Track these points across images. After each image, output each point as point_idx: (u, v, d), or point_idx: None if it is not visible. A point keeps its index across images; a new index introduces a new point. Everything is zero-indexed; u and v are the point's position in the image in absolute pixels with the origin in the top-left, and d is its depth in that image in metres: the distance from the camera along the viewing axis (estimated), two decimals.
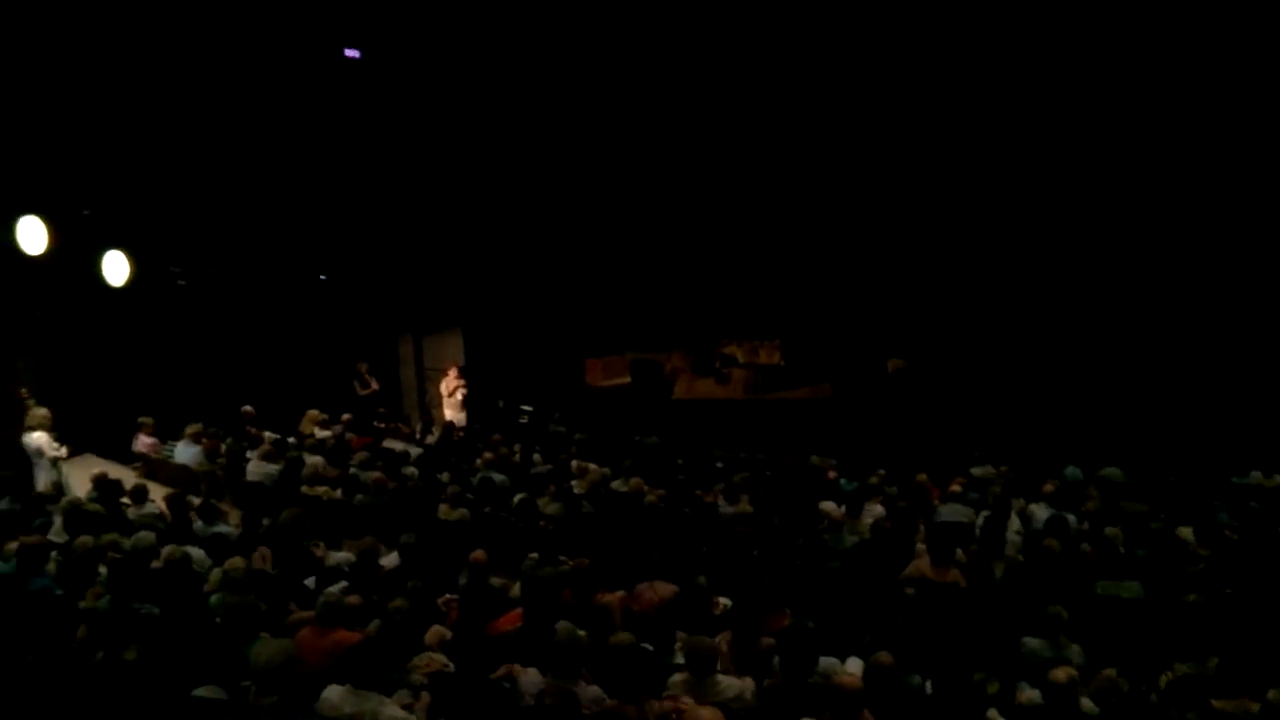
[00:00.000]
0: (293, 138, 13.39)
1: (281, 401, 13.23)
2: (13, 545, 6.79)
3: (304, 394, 13.70)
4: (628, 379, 17.36)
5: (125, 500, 8.64)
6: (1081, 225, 13.32)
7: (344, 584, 6.47)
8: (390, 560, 7.02)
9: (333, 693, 4.55)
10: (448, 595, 6.33)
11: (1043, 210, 13.52)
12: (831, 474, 10.39)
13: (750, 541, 7.78)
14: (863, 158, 14.35)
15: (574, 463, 11.03)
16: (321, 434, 12.23)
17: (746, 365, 17.13)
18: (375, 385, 15.30)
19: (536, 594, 5.81)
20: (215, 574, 6.47)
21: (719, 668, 4.94)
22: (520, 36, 13.78)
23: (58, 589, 6.12)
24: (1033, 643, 5.63)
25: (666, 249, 15.94)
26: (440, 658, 5.23)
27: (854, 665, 5.10)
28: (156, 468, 11.22)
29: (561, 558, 6.86)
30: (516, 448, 11.87)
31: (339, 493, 9.36)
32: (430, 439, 13.45)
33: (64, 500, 8.28)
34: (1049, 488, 9.05)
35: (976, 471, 10.15)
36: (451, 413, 14.98)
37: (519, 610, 5.87)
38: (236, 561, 6.57)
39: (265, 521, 7.85)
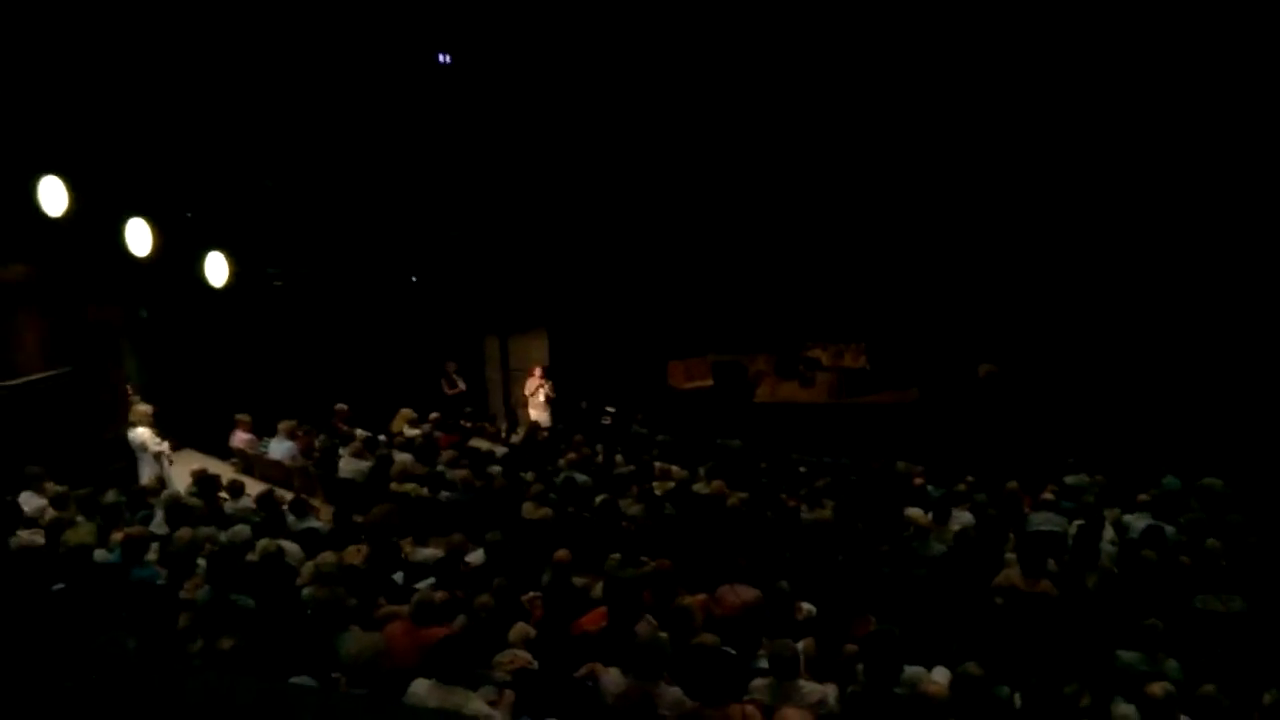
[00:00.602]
0: (385, 143, 13.68)
1: (372, 400, 13.52)
2: (118, 536, 7.08)
3: (394, 393, 13.98)
4: (711, 381, 17.31)
5: (223, 494, 8.93)
6: (1181, 229, 12.91)
7: (432, 580, 6.58)
8: (475, 557, 7.12)
9: (419, 686, 4.63)
10: (531, 593, 6.40)
11: (1139, 213, 13.14)
12: (918, 480, 10.22)
13: (834, 546, 7.70)
14: (957, 158, 14.12)
15: (656, 464, 11.05)
16: (411, 432, 12.45)
17: (831, 368, 16.94)
18: (462, 385, 15.54)
19: (619, 594, 5.83)
20: (307, 567, 6.63)
21: (802, 673, 4.90)
22: (605, 40, 13.88)
23: (159, 579, 6.35)
24: (1128, 656, 5.46)
25: (752, 251, 15.88)
26: (524, 655, 5.28)
27: (940, 675, 5.01)
28: (252, 463, 11.57)
29: (643, 558, 6.86)
30: (599, 448, 11.93)
31: (426, 490, 9.52)
32: (515, 438, 13.60)
33: (165, 494, 8.57)
34: (1145, 497, 8.77)
35: (1070, 479, 9.90)
36: (536, 413, 15.12)
37: (602, 609, 5.90)
38: (328, 556, 6.72)
39: (356, 517, 8.03)
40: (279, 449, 11.44)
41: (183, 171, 11.24)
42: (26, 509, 7.98)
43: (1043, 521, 8.26)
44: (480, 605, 5.59)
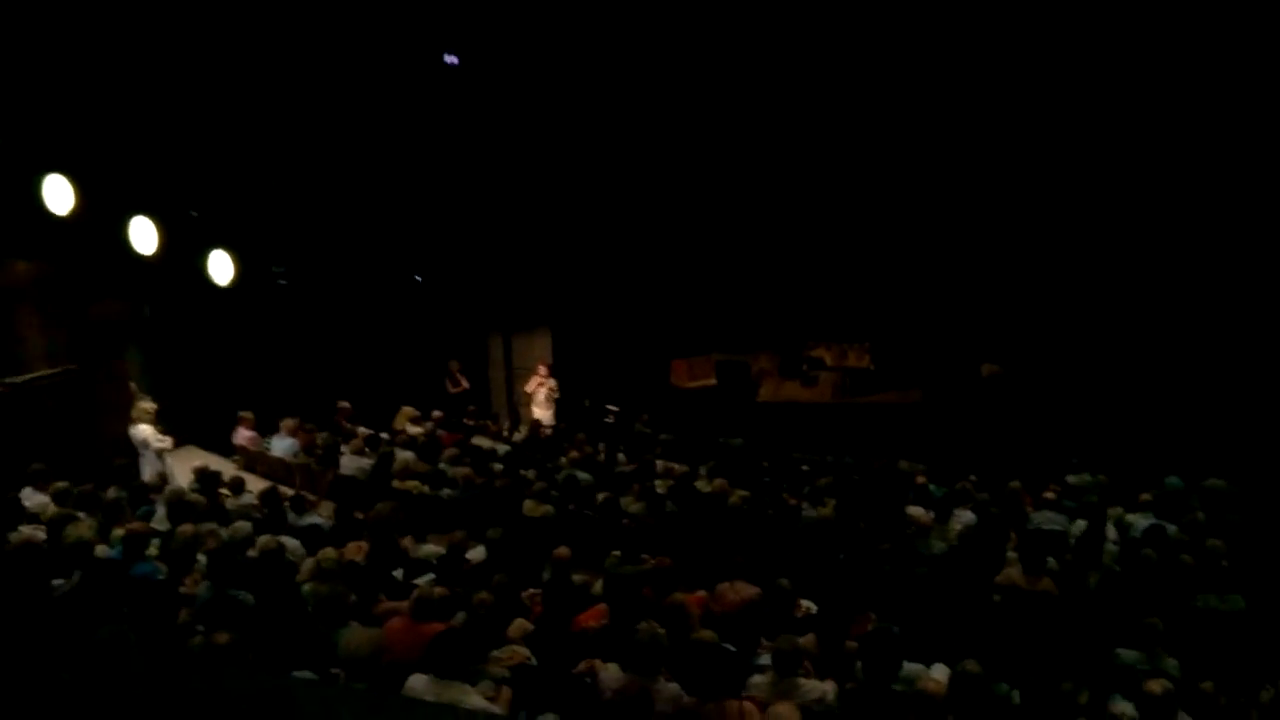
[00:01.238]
0: (390, 141, 13.71)
1: (375, 398, 13.55)
2: (119, 531, 7.10)
3: (397, 391, 14.00)
4: (713, 380, 17.32)
5: (224, 491, 8.95)
6: (1184, 229, 12.90)
7: (431, 576, 6.59)
8: (476, 554, 7.13)
9: (417, 681, 4.64)
10: (531, 590, 6.41)
11: (1142, 213, 13.13)
12: (920, 479, 10.20)
13: (835, 545, 7.70)
14: (961, 158, 14.11)
15: (658, 463, 11.05)
16: (413, 430, 12.48)
17: (834, 368, 16.93)
18: (465, 384, 15.56)
19: (619, 591, 5.84)
20: (308, 564, 6.64)
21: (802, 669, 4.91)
22: (610, 39, 13.88)
23: (160, 574, 6.36)
24: (1127, 654, 5.46)
25: (756, 250, 15.88)
26: (523, 650, 5.29)
27: (939, 672, 5.01)
28: (255, 460, 11.59)
29: (644, 556, 6.87)
30: (601, 447, 11.95)
31: (428, 488, 9.53)
32: (518, 437, 13.62)
33: (167, 490, 8.59)
34: (1147, 496, 8.77)
35: (1072, 479, 9.89)
36: (539, 411, 15.14)
37: (601, 607, 5.91)
38: (329, 552, 6.73)
39: (357, 514, 8.04)
40: (281, 446, 11.47)
41: (187, 169, 11.27)
42: (28, 505, 7.99)
43: (1045, 520, 8.26)
44: (479, 601, 5.59)
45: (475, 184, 15.08)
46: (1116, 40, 12.34)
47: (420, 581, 6.34)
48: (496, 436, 13.35)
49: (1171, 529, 7.87)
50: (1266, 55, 11.57)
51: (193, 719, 1.80)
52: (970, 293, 14.83)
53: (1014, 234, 14.18)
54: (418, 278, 15.98)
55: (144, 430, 10.12)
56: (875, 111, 14.28)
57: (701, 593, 6.32)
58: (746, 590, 6.26)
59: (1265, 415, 11.85)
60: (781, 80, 14.30)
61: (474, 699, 4.59)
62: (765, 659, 5.21)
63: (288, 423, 11.68)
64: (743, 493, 8.97)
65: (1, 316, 10.29)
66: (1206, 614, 6.28)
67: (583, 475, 9.82)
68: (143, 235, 10.07)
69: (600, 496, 8.81)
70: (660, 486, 9.71)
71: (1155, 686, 4.54)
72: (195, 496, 8.19)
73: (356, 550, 7.05)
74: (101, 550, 6.80)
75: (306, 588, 6.15)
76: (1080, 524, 8.09)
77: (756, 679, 4.91)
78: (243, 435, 11.94)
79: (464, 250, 15.93)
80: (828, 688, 4.83)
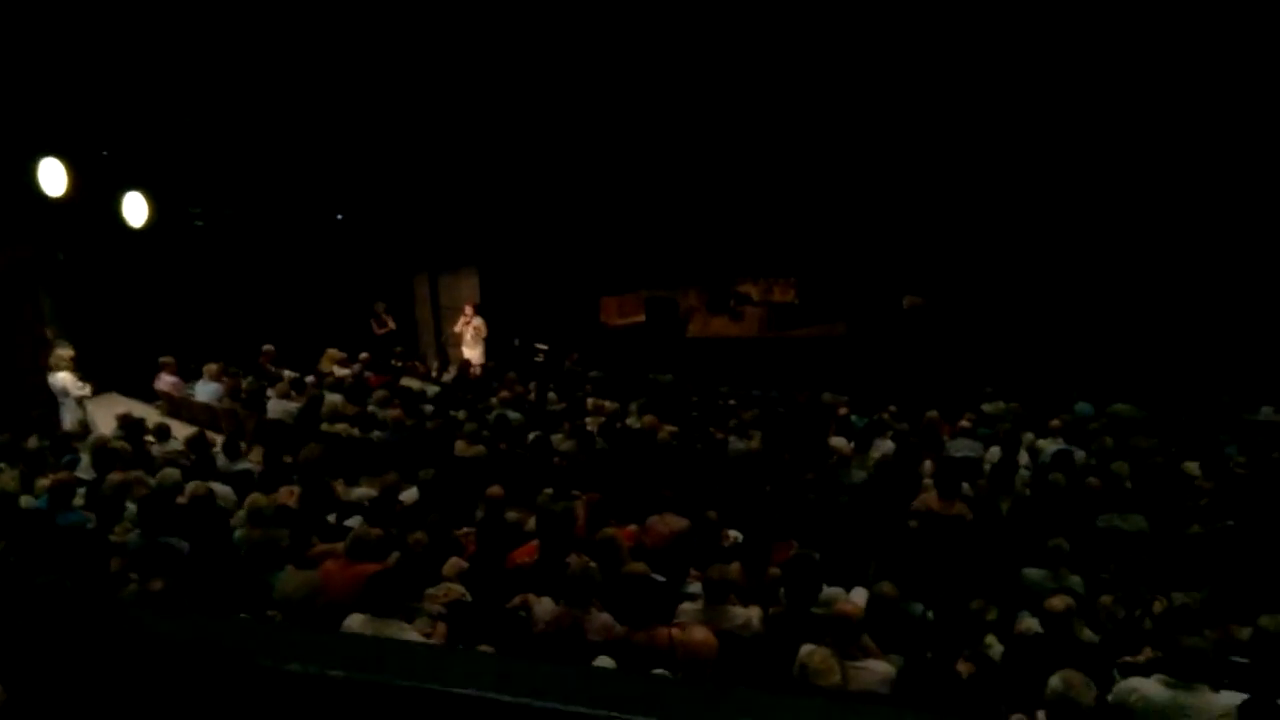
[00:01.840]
0: (309, 78, 13.36)
1: (299, 340, 13.42)
2: (44, 481, 7.00)
3: (321, 333, 13.88)
4: (642, 317, 17.45)
5: (149, 438, 8.84)
6: (1092, 164, 13.24)
7: (362, 519, 6.64)
8: (409, 496, 7.20)
9: (354, 620, 4.72)
10: (465, 529, 6.50)
11: (1054, 148, 13.42)
12: (843, 410, 10.50)
13: (761, 476, 7.92)
14: (877, 95, 14.22)
15: (588, 400, 11.17)
16: (340, 372, 12.39)
17: (761, 303, 17.18)
18: (392, 324, 15.44)
19: (551, 528, 5.96)
20: (240, 510, 6.65)
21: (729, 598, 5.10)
22: None
23: (88, 524, 6.32)
24: (1034, 573, 5.76)
25: (682, 188, 15.91)
26: (458, 588, 5.39)
27: (858, 595, 5.25)
28: (179, 406, 11.44)
29: (575, 492, 7.00)
30: (532, 386, 12.01)
31: (358, 430, 9.53)
32: (446, 377, 13.61)
33: (90, 438, 8.47)
34: (1057, 423, 9.13)
35: (987, 408, 10.25)
36: (467, 351, 15.12)
37: (534, 543, 6.03)
38: (259, 497, 6.74)
39: (287, 459, 8.03)
40: (205, 391, 11.32)
41: (99, 108, 10.90)
42: None
43: (960, 448, 8.58)
44: (414, 541, 5.67)
45: (398, 120, 14.81)
46: None
47: (353, 524, 6.39)
48: (425, 377, 13.33)
49: (1079, 454, 8.23)
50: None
51: (135, 665, 1.86)
52: (893, 228, 15.08)
53: (933, 170, 14.40)
54: (339, 216, 15.74)
55: (63, 378, 9.91)
56: (799, 47, 14.28)
57: (632, 527, 6.48)
58: (675, 523, 6.44)
59: (1172, 341, 12.38)
60: (709, 16, 14.20)
61: (411, 635, 4.70)
62: (694, 588, 5.40)
63: (211, 367, 11.51)
64: (671, 428, 9.15)
65: None
66: (1109, 533, 6.63)
67: (513, 414, 9.90)
68: (52, 176, 9.77)
69: (531, 435, 8.90)
70: (591, 424, 9.85)
71: (1057, 603, 4.81)
72: (120, 444, 8.08)
73: (288, 495, 7.06)
74: (26, 501, 6.72)
75: (239, 533, 6.17)
76: (995, 450, 8.42)
77: (686, 607, 5.09)
78: (165, 381, 11.75)
79: (387, 188, 15.70)
80: (753, 613, 5.03)
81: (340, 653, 1.58)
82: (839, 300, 16.32)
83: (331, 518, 6.89)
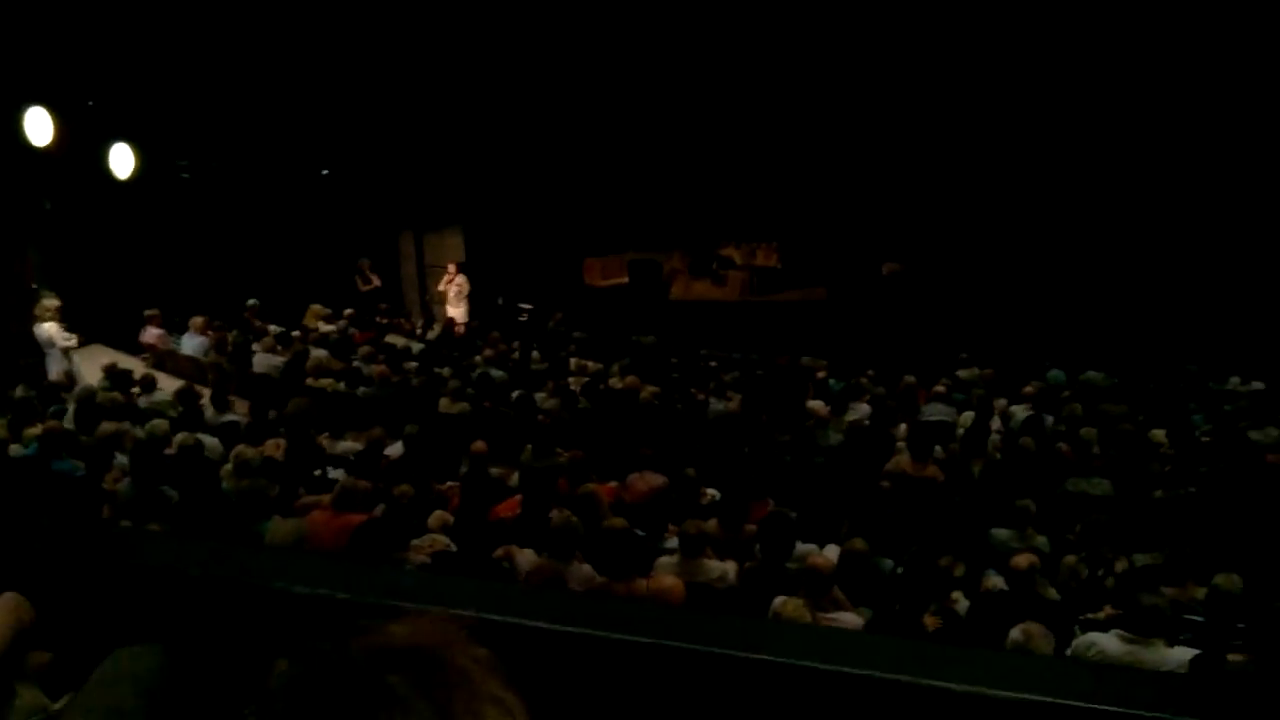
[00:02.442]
0: (297, 30, 13.29)
1: (285, 295, 13.44)
2: (32, 430, 7.09)
3: (307, 288, 13.90)
4: (626, 279, 17.53)
5: (135, 389, 8.91)
6: (1069, 135, 13.37)
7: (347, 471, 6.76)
8: (394, 450, 7.32)
9: None
10: (449, 483, 6.63)
11: (1031, 119, 13.53)
12: (821, 374, 10.67)
13: (739, 437, 8.08)
14: (860, 63, 14.27)
15: (571, 360, 11.29)
16: (325, 328, 12.46)
17: (743, 267, 17.28)
18: (377, 281, 15.49)
19: (533, 483, 6.10)
20: (228, 461, 6.76)
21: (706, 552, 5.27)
22: None
23: (79, 472, 6.41)
24: (1001, 533, 5.97)
25: (668, 150, 15.93)
26: (443, 539, 5.53)
27: (831, 551, 5.43)
28: (164, 359, 11.48)
29: (558, 450, 7.15)
30: (516, 345, 12.12)
31: (343, 385, 9.63)
32: (431, 335, 13.70)
33: (77, 389, 8.53)
34: (1030, 389, 9.34)
35: (962, 373, 10.44)
36: (451, 309, 15.19)
37: (517, 498, 6.17)
38: (245, 450, 6.85)
39: (272, 413, 8.13)
40: (191, 344, 11.38)
41: (86, 58, 10.83)
42: None
43: (934, 412, 8.78)
44: (400, 494, 5.80)
45: (386, 77, 14.75)
46: None
47: (338, 476, 6.51)
48: (410, 334, 13.42)
49: (1049, 419, 8.45)
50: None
51: (152, 594, 1.98)
52: (875, 194, 15.18)
53: (914, 139, 14.48)
54: (325, 172, 15.70)
55: (48, 328, 9.95)
56: (783, 14, 14.30)
57: (613, 483, 6.64)
58: (655, 480, 6.60)
59: (1144, 311, 12.59)
60: None
61: None
62: (672, 543, 5.57)
63: (196, 320, 11.56)
64: (653, 388, 9.29)
65: None
66: (1075, 496, 6.85)
67: (497, 373, 10.02)
68: (38, 126, 9.75)
69: (515, 393, 9.03)
70: (573, 383, 9.98)
71: (1021, 561, 5.01)
72: (107, 395, 8.16)
73: (274, 447, 7.17)
74: (15, 450, 6.81)
75: (227, 484, 6.28)
76: (968, 415, 8.62)
77: (663, 560, 5.25)
78: (150, 333, 11.79)
79: (374, 145, 15.66)
80: (729, 567, 5.21)
81: (344, 578, 1.71)
82: (820, 266, 16.44)
83: (317, 471, 7.01)
